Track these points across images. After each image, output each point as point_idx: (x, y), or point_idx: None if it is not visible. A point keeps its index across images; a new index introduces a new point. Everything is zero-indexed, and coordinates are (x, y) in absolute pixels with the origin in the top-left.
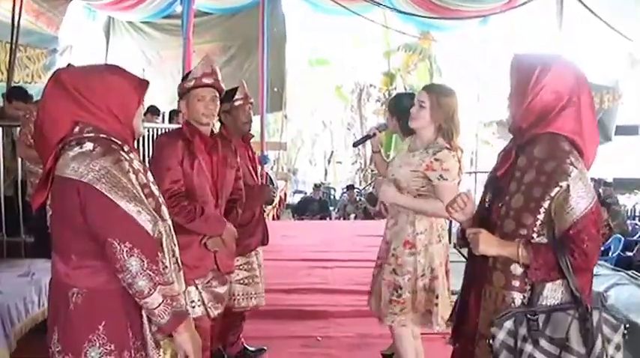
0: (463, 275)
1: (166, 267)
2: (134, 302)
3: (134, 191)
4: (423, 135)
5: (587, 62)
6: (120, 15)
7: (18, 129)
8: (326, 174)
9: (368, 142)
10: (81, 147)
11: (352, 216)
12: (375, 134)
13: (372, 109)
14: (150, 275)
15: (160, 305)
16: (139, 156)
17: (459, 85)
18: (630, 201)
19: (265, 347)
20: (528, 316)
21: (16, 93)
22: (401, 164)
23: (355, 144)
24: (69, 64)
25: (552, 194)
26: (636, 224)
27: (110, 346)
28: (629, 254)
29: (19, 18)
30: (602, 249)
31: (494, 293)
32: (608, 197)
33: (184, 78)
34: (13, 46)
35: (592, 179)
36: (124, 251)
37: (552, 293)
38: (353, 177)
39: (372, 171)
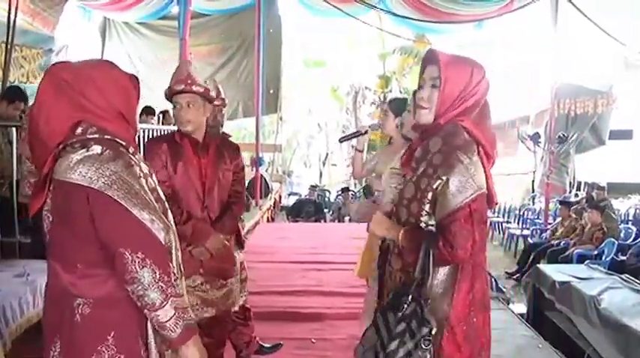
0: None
1: (177, 278)
2: (142, 311)
3: (147, 198)
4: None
5: (581, 66)
6: (115, 15)
7: (14, 129)
8: (321, 176)
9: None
10: (87, 150)
11: (347, 218)
12: (366, 132)
13: (367, 112)
14: (162, 286)
15: (171, 318)
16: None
17: None
18: (624, 205)
19: (282, 342)
20: (399, 294)
21: (17, 94)
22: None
23: (342, 140)
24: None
25: (434, 186)
26: (629, 228)
27: (120, 357)
28: (623, 258)
29: (15, 17)
30: (596, 252)
31: (394, 275)
32: (602, 201)
33: None
34: (9, 46)
35: (585, 183)
36: (137, 262)
37: (439, 280)
38: (348, 180)
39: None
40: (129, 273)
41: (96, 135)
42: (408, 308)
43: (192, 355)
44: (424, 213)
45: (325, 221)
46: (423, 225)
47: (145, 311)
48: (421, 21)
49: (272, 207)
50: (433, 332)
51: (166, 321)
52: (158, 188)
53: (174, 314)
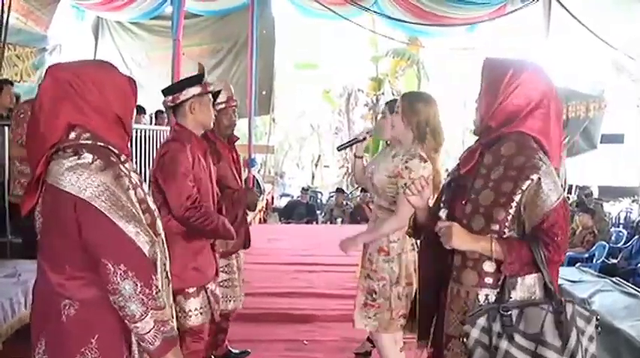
0: (418, 276)
1: (160, 290)
2: None
3: (133, 210)
4: (402, 141)
5: (573, 70)
6: (108, 15)
7: (6, 128)
8: (313, 177)
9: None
10: (79, 158)
11: (339, 220)
12: (364, 138)
13: (359, 114)
14: (143, 299)
15: (150, 330)
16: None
17: (446, 91)
18: (615, 208)
19: (249, 350)
20: (501, 312)
21: None
22: (380, 169)
23: (340, 148)
24: None
25: (524, 187)
26: (620, 231)
27: None
28: (614, 261)
29: (8, 16)
30: (587, 255)
31: (465, 292)
32: (593, 204)
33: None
34: (2, 45)
35: (577, 186)
36: (118, 273)
37: (525, 288)
38: (340, 181)
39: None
40: (111, 284)
41: (89, 142)
42: (564, 314)
43: None
44: (510, 217)
45: (317, 223)
46: (506, 230)
47: (126, 321)
48: (414, 24)
49: (264, 209)
50: (598, 318)
51: (145, 333)
52: (148, 198)
53: (154, 326)
